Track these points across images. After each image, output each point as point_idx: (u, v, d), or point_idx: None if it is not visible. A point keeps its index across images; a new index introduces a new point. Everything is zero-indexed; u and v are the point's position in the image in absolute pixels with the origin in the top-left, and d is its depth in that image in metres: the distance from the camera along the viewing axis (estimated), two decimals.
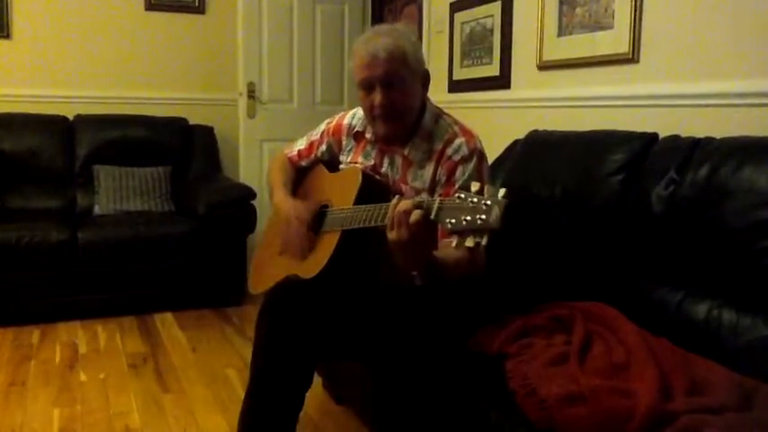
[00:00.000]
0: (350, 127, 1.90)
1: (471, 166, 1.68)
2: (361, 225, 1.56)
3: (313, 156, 2.01)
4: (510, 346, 1.56)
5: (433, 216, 1.32)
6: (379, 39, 1.68)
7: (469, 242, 1.22)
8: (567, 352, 1.47)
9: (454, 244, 1.25)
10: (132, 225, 3.40)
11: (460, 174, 1.68)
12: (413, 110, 1.73)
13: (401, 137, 1.75)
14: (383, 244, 1.45)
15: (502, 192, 1.21)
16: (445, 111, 1.83)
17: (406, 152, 1.75)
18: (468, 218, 1.22)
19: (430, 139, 1.74)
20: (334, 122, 1.96)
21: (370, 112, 1.73)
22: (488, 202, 1.21)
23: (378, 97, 1.67)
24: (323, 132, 1.98)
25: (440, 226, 1.34)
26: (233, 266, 3.51)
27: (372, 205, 1.55)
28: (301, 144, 2.05)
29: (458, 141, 1.70)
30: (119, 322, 3.24)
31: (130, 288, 3.35)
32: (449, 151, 1.70)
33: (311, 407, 2.21)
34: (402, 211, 1.37)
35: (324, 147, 1.97)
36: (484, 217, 1.20)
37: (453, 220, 1.25)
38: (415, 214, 1.34)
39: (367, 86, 1.70)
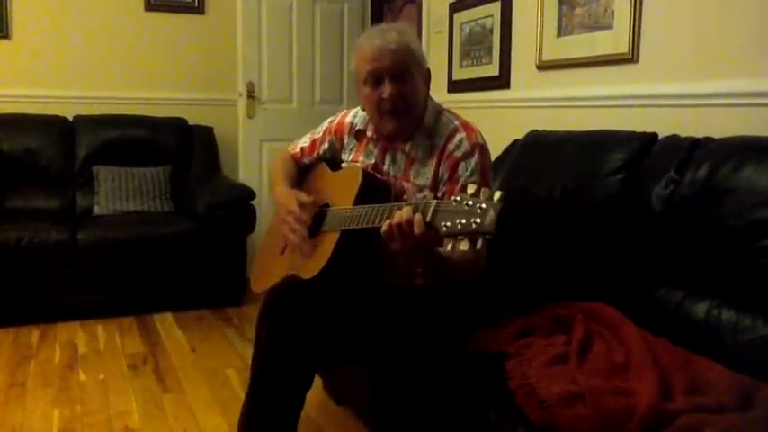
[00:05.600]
0: (351, 125, 1.89)
1: (473, 161, 1.68)
2: (361, 226, 1.55)
3: (315, 154, 2.00)
4: (510, 345, 1.56)
5: (428, 218, 1.32)
6: (386, 33, 1.68)
7: (464, 246, 1.21)
8: (566, 352, 1.47)
9: (449, 247, 1.25)
10: (132, 225, 3.41)
11: (463, 170, 1.67)
12: (419, 106, 1.73)
13: (404, 134, 1.74)
14: (383, 245, 1.44)
15: (498, 195, 1.21)
16: (447, 108, 1.82)
17: (407, 149, 1.74)
18: (463, 221, 1.21)
19: (431, 135, 1.73)
20: (336, 121, 1.95)
21: (377, 107, 1.70)
22: (483, 206, 1.20)
23: (387, 90, 1.66)
24: (325, 131, 1.98)
25: None
26: (233, 267, 3.51)
27: (371, 206, 1.54)
28: (304, 142, 2.03)
29: (459, 137, 1.70)
30: (118, 322, 3.24)
31: (130, 288, 3.35)
32: (450, 147, 1.69)
33: (311, 407, 2.21)
34: (404, 222, 1.36)
35: (326, 145, 1.96)
36: (479, 221, 1.19)
37: (448, 224, 1.24)
38: (418, 224, 1.34)
39: (375, 80, 1.68)
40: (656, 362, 1.37)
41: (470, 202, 1.22)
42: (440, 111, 1.79)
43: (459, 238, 1.22)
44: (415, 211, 1.36)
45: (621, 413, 1.21)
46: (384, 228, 1.42)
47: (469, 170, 1.67)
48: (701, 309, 1.58)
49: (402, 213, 1.37)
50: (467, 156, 1.68)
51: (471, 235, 1.21)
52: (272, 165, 2.10)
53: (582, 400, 1.26)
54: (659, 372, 1.33)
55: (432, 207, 1.32)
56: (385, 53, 1.66)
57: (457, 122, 1.74)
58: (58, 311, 3.21)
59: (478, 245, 1.21)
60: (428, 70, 1.77)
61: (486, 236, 1.20)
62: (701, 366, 1.39)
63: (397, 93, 1.66)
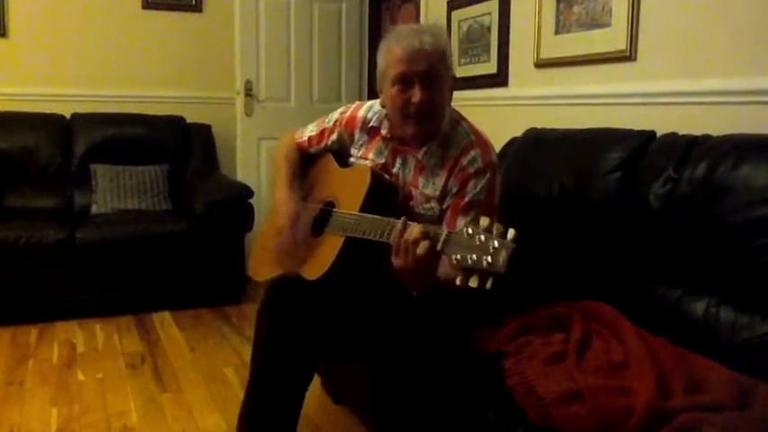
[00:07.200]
0: (365, 120, 1.85)
1: (484, 180, 1.66)
2: (366, 237, 1.54)
3: (323, 144, 1.94)
4: (508, 344, 1.56)
5: (438, 247, 1.31)
6: (422, 35, 1.63)
7: (473, 282, 1.19)
8: (565, 350, 1.47)
9: (458, 281, 1.22)
10: (130, 224, 3.40)
11: (472, 187, 1.65)
12: (443, 113, 1.70)
13: (421, 139, 1.71)
14: (386, 258, 1.44)
15: (511, 234, 1.18)
16: (464, 116, 1.79)
17: (419, 156, 1.71)
18: (474, 257, 1.19)
19: (446, 144, 1.70)
20: (348, 113, 1.90)
21: (403, 109, 1.66)
22: (496, 244, 1.18)
23: (417, 95, 1.62)
24: (336, 122, 1.92)
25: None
26: (231, 265, 3.51)
27: (379, 218, 1.52)
28: (312, 130, 1.98)
29: (473, 153, 1.67)
30: (117, 322, 3.24)
31: (128, 287, 3.35)
32: (463, 161, 1.67)
33: (310, 407, 2.20)
34: (410, 241, 1.36)
35: (335, 136, 1.91)
36: (490, 260, 1.17)
37: (459, 256, 1.22)
38: (423, 247, 1.33)
39: (405, 82, 1.64)
40: (654, 361, 1.37)
41: (483, 238, 1.20)
42: (457, 120, 1.75)
43: (470, 273, 1.20)
44: (425, 237, 1.35)
45: (620, 412, 1.21)
46: (393, 245, 1.42)
47: (479, 187, 1.65)
48: (699, 307, 1.58)
49: (413, 235, 1.36)
50: (479, 173, 1.66)
51: (481, 273, 1.19)
52: (276, 150, 2.04)
53: (580, 398, 1.26)
54: (657, 370, 1.33)
55: (443, 237, 1.30)
56: (420, 56, 1.61)
57: (473, 136, 1.71)
58: (56, 310, 3.21)
59: (488, 284, 1.18)
60: (454, 77, 1.73)
61: (498, 276, 1.18)
62: (700, 365, 1.39)
63: (427, 98, 1.62)
